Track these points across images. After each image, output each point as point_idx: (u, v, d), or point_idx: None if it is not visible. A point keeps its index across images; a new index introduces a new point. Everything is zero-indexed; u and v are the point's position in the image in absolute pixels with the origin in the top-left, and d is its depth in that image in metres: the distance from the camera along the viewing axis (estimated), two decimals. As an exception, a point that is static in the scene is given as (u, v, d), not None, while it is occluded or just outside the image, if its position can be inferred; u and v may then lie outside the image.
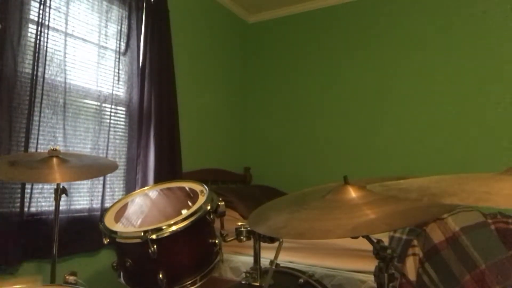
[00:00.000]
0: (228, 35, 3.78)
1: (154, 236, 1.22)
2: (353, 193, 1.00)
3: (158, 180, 2.47)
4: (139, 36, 2.59)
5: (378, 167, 3.24)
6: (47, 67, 2.03)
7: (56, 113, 2.09)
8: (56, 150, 1.56)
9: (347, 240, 1.98)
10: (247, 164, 3.85)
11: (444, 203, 0.57)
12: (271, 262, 1.29)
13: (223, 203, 1.41)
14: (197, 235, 1.34)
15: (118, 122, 2.49)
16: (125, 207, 1.48)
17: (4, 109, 1.80)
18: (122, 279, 1.36)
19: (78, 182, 2.17)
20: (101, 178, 2.30)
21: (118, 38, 2.48)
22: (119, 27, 2.49)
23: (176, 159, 2.71)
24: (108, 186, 2.36)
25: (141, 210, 1.45)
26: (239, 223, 1.41)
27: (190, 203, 1.37)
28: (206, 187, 1.46)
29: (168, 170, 2.61)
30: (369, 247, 1.02)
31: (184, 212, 1.31)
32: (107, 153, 2.34)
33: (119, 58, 2.47)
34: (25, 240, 1.88)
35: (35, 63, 1.95)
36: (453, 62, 3.05)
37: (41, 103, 1.99)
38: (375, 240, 1.01)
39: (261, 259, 1.38)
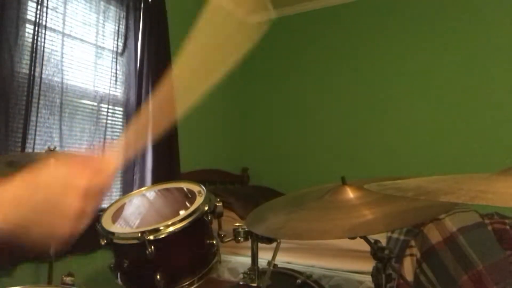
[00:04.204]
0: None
1: (151, 237, 1.22)
2: (350, 193, 1.00)
3: (155, 180, 2.46)
4: (137, 36, 2.58)
5: (376, 167, 3.24)
6: (44, 67, 2.02)
7: (53, 113, 2.08)
8: (53, 150, 1.55)
9: (345, 240, 1.98)
10: (245, 165, 3.84)
11: (440, 201, 0.57)
12: (269, 262, 1.29)
13: (220, 203, 1.40)
14: (195, 236, 1.33)
15: (116, 123, 2.48)
16: (122, 208, 1.48)
17: (1, 109, 1.80)
18: (119, 280, 1.36)
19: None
20: (98, 178, 2.29)
21: (116, 38, 2.48)
22: (116, 27, 2.48)
23: (174, 159, 2.71)
24: (105, 186, 2.35)
25: (138, 211, 1.44)
26: (237, 224, 1.41)
27: (187, 204, 1.36)
28: (203, 187, 1.45)
29: (166, 170, 2.61)
30: (367, 247, 1.02)
31: (182, 212, 1.30)
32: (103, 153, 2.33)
33: (116, 58, 2.47)
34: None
35: (32, 63, 1.94)
36: (452, 63, 3.06)
37: (38, 103, 1.99)
38: (372, 241, 1.01)
39: (259, 260, 1.38)
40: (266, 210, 1.15)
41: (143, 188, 1.64)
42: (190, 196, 1.42)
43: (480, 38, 2.96)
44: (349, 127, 3.42)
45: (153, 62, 2.62)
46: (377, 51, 3.36)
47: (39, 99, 1.99)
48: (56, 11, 2.13)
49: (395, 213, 0.89)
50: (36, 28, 1.96)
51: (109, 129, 2.39)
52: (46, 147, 1.58)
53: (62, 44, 2.15)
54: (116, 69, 2.46)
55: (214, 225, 1.41)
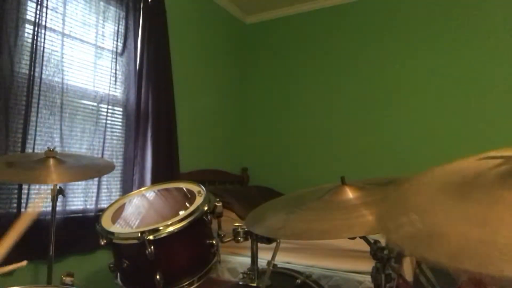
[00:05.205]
0: (225, 35, 3.78)
1: (151, 237, 1.22)
2: (350, 193, 1.00)
3: (155, 180, 2.46)
4: (136, 37, 2.58)
5: (376, 167, 3.25)
6: (44, 67, 2.03)
7: (53, 114, 2.09)
8: (53, 150, 1.55)
9: (345, 240, 1.98)
10: (244, 165, 3.85)
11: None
12: (269, 262, 1.29)
13: (220, 203, 1.40)
14: (194, 236, 1.34)
15: (115, 123, 2.48)
16: (122, 208, 1.48)
17: (1, 110, 1.80)
18: (119, 280, 1.36)
19: (73, 182, 2.16)
20: (96, 178, 2.29)
21: (115, 38, 2.48)
22: (116, 28, 2.48)
23: (174, 159, 2.71)
24: (105, 186, 2.36)
25: (138, 211, 1.44)
26: (237, 224, 1.41)
27: (187, 204, 1.37)
28: (203, 187, 1.45)
29: (166, 170, 2.61)
30: (366, 247, 1.02)
31: (182, 213, 1.31)
32: (102, 154, 2.33)
33: (116, 59, 2.47)
34: (21, 240, 1.86)
35: (32, 64, 1.95)
36: (453, 63, 3.06)
37: (38, 104, 1.99)
38: (372, 241, 1.01)
39: (259, 260, 1.38)
40: (266, 210, 1.15)
41: (143, 188, 1.64)
42: (189, 196, 1.43)
43: (481, 37, 2.97)
44: (349, 127, 3.42)
45: (153, 62, 2.63)
46: (377, 51, 3.36)
47: (39, 99, 1.99)
48: (56, 12, 2.13)
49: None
50: (36, 29, 1.96)
51: (108, 129, 2.39)
52: (46, 148, 1.58)
53: (62, 44, 2.15)
54: (115, 69, 2.46)
55: (214, 225, 1.41)
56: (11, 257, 1.83)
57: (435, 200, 0.52)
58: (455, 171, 0.60)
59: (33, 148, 1.95)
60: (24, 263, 1.19)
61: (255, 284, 1.33)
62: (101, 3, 2.41)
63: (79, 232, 2.13)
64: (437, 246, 0.43)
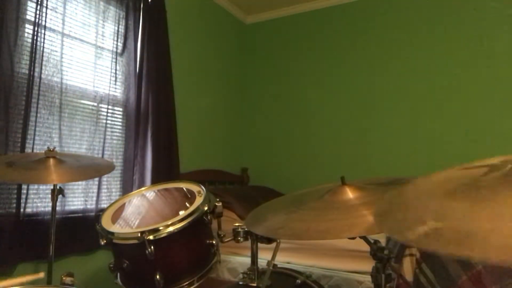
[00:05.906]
0: (225, 35, 3.78)
1: (151, 237, 1.22)
2: (350, 193, 1.00)
3: (155, 180, 2.46)
4: (136, 37, 2.58)
5: (376, 167, 3.25)
6: (43, 67, 2.03)
7: (52, 114, 2.09)
8: (52, 150, 1.55)
9: (345, 240, 1.98)
10: (244, 165, 3.85)
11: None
12: (269, 262, 1.29)
13: (220, 203, 1.41)
14: (194, 236, 1.34)
15: (115, 123, 2.48)
16: (122, 208, 1.48)
17: (0, 109, 1.79)
18: (119, 280, 1.36)
19: (73, 182, 2.16)
20: (96, 178, 2.29)
21: (115, 38, 2.48)
22: (116, 28, 2.49)
23: (174, 159, 2.71)
24: (105, 186, 2.36)
25: (138, 211, 1.44)
26: (237, 224, 1.41)
27: (187, 204, 1.37)
28: (203, 187, 1.46)
29: (166, 170, 2.61)
30: (366, 247, 1.02)
31: (182, 213, 1.31)
32: (103, 154, 2.33)
33: (116, 59, 2.47)
34: (21, 241, 1.87)
35: (32, 64, 1.95)
36: (448, 64, 3.06)
37: (37, 104, 1.99)
38: (372, 241, 1.01)
39: (259, 260, 1.38)
40: (266, 210, 1.15)
41: (143, 188, 1.64)
42: (189, 196, 1.43)
43: (476, 38, 2.97)
44: (349, 127, 3.42)
45: (153, 62, 2.62)
46: (379, 51, 3.36)
47: (38, 99, 1.99)
48: (56, 11, 2.13)
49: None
50: (36, 28, 1.96)
51: (108, 129, 2.39)
52: (45, 148, 1.58)
53: (62, 44, 2.15)
54: (115, 69, 2.46)
55: (214, 225, 1.41)
56: (12, 256, 1.83)
57: (447, 205, 0.59)
58: (447, 179, 0.68)
59: (32, 148, 1.95)
60: (42, 274, 1.17)
61: (255, 284, 1.33)
62: (101, 3, 2.41)
63: (79, 232, 2.13)
64: (469, 243, 0.48)
